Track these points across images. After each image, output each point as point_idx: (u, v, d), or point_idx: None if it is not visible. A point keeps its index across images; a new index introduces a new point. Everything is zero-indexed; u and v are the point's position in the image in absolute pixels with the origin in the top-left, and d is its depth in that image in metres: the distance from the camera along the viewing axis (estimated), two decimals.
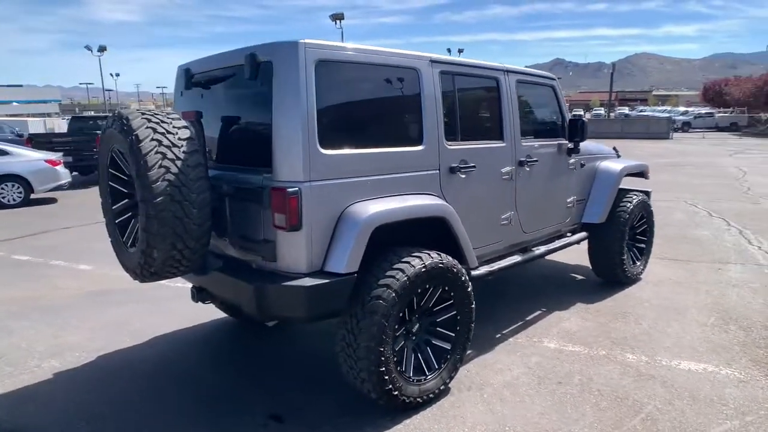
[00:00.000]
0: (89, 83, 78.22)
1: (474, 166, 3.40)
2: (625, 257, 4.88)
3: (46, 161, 11.40)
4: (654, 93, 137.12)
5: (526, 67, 4.64)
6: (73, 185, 12.31)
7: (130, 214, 2.90)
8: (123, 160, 2.75)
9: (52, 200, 11.56)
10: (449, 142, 3.26)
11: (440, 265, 2.93)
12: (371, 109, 3.03)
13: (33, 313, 4.64)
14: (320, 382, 3.34)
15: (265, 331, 4.18)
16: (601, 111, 56.07)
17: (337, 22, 31.07)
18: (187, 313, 4.52)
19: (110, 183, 2.93)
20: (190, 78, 3.28)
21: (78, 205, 10.81)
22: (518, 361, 3.57)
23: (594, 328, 4.10)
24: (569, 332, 4.04)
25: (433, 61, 3.19)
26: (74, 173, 13.55)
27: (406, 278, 2.76)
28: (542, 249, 4.20)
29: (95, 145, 13.97)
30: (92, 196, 12.13)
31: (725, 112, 41.18)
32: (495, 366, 3.51)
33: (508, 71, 3.79)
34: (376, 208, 2.77)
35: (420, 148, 3.10)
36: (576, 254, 5.45)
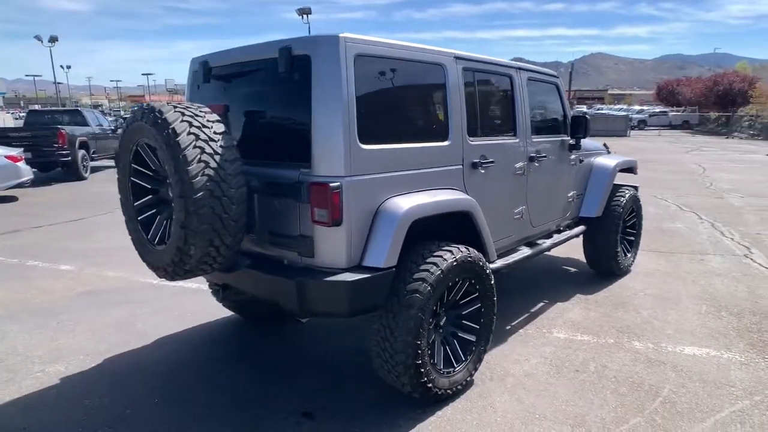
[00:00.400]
0: (36, 75, 74.62)
1: (493, 162, 3.46)
2: (618, 250, 5.08)
3: (7, 157, 10.81)
4: (609, 92, 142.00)
5: None
6: (33, 183, 11.72)
7: (154, 210, 2.82)
8: (150, 155, 2.67)
9: (13, 198, 10.98)
10: (471, 138, 3.31)
11: (469, 258, 2.97)
12: (402, 105, 3.04)
13: (22, 316, 4.42)
14: (344, 378, 3.34)
15: (275, 329, 4.14)
16: None
17: (305, 16, 30.73)
18: (190, 312, 4.42)
19: (132, 179, 2.83)
20: (209, 71, 3.20)
21: (43, 204, 10.31)
22: (533, 352, 3.67)
23: (597, 318, 4.25)
24: (575, 322, 4.17)
25: (457, 57, 3.22)
26: (34, 170, 12.91)
27: (440, 272, 2.79)
28: (548, 242, 4.32)
29: (56, 140, 13.38)
30: (57, 194, 11.63)
31: (678, 111, 43.12)
32: (512, 357, 3.59)
33: (520, 68, 3.87)
34: (412, 202, 2.78)
35: (446, 143, 3.14)
36: (565, 247, 5.61)
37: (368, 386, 3.19)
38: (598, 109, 60.86)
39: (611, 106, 75.60)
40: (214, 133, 2.52)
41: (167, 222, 2.74)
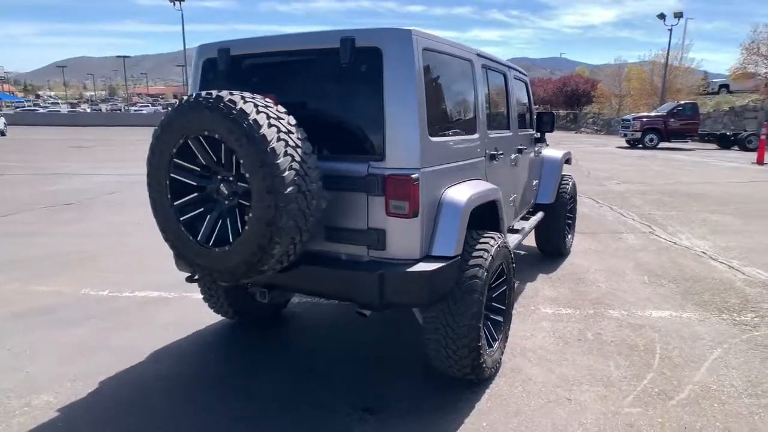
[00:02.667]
0: None
1: (502, 154, 3.71)
2: (566, 232, 5.67)
3: None
4: None
5: None
6: None
7: (201, 209, 2.59)
8: (205, 148, 2.46)
9: None
10: (489, 131, 3.51)
11: (505, 244, 3.18)
12: (449, 99, 3.12)
13: None
14: (381, 369, 3.36)
15: (272, 330, 3.97)
16: None
17: (176, 3, 28.59)
18: (169, 323, 4.05)
19: (172, 175, 2.57)
20: (229, 60, 2.98)
21: None
22: (535, 327, 4.00)
23: (568, 293, 4.73)
24: (553, 298, 4.60)
25: (479, 55, 3.40)
26: None
27: (491, 257, 2.95)
28: (526, 227, 4.70)
29: None
30: None
31: None
32: (519, 334, 3.88)
33: (510, 67, 4.16)
34: (468, 192, 2.90)
35: (476, 136, 3.30)
36: None
37: (408, 374, 3.27)
38: None
39: None
40: (289, 124, 2.40)
41: (221, 221, 2.55)
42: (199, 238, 2.56)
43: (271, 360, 3.52)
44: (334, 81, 2.79)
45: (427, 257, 2.70)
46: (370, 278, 2.56)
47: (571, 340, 3.78)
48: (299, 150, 2.36)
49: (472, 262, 2.88)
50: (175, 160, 2.54)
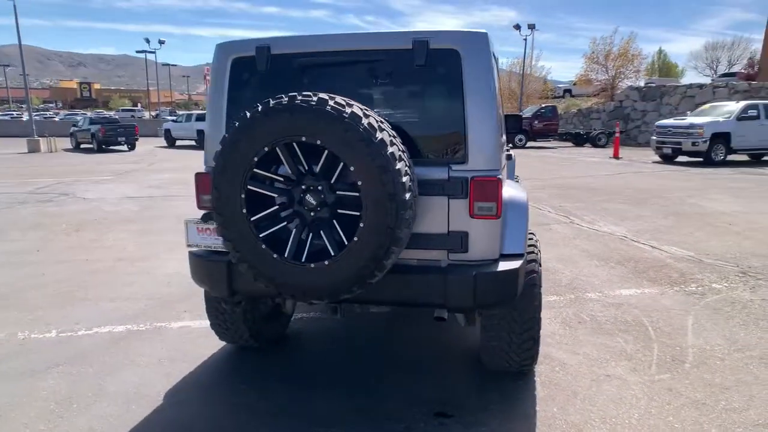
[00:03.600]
0: None
1: (510, 154, 3.91)
2: None
3: None
4: None
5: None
6: None
7: (284, 223, 2.40)
8: (297, 155, 2.29)
9: None
10: (503, 133, 3.69)
11: (535, 237, 3.38)
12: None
13: None
14: (434, 371, 3.36)
15: (279, 348, 3.74)
16: None
17: None
18: (164, 357, 3.62)
19: (249, 187, 2.34)
20: (271, 59, 2.78)
21: None
22: None
23: (544, 282, 5.10)
24: None
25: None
26: None
27: (539, 251, 3.13)
28: None
29: None
30: None
31: None
32: None
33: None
34: (522, 191, 3.04)
35: (503, 137, 3.45)
36: None
37: (461, 372, 3.32)
38: None
39: None
40: (391, 129, 2.33)
41: (311, 234, 2.38)
42: (286, 255, 2.35)
43: (314, 379, 3.31)
44: (403, 84, 2.74)
45: (502, 256, 2.78)
46: (464, 281, 2.56)
47: (573, 323, 4.12)
48: (405, 155, 2.30)
49: (529, 257, 3.02)
50: (255, 170, 2.31)
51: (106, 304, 4.61)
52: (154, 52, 52.73)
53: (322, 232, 2.36)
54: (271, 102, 2.27)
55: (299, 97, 2.23)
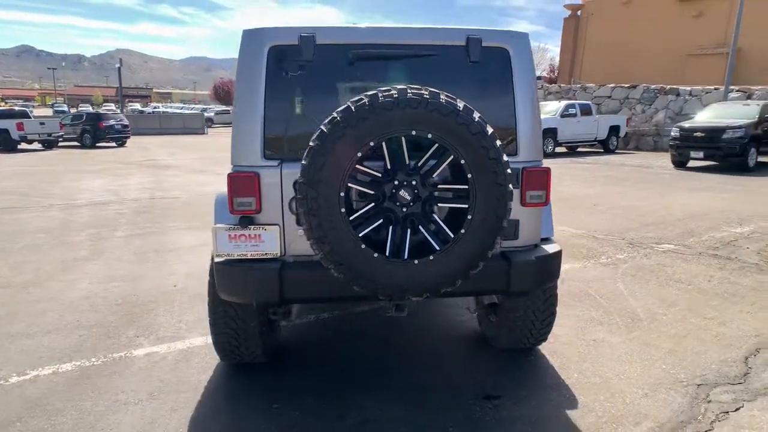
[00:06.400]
0: None
1: None
2: None
3: None
4: (156, 90, 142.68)
5: None
6: None
7: (380, 220, 2.31)
8: (401, 150, 2.23)
9: None
10: None
11: None
12: None
13: None
14: (468, 359, 3.47)
15: (292, 354, 3.52)
16: (113, 107, 55.18)
17: None
18: (149, 389, 3.14)
19: (350, 185, 2.21)
20: (316, 49, 2.60)
21: None
22: None
23: None
24: None
25: None
26: None
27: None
28: None
29: None
30: None
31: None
32: None
33: None
34: None
35: None
36: None
37: (477, 357, 3.50)
38: (155, 108, 61.15)
39: (167, 104, 77.29)
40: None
41: (409, 230, 2.33)
42: (387, 253, 2.25)
43: (349, 386, 3.16)
44: (456, 79, 2.77)
45: (541, 240, 3.00)
46: (528, 265, 2.72)
47: (571, 301, 4.49)
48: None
49: None
50: (358, 166, 2.17)
51: (24, 341, 3.75)
52: None
53: (421, 226, 2.32)
54: (380, 95, 2.15)
55: (410, 91, 2.15)
